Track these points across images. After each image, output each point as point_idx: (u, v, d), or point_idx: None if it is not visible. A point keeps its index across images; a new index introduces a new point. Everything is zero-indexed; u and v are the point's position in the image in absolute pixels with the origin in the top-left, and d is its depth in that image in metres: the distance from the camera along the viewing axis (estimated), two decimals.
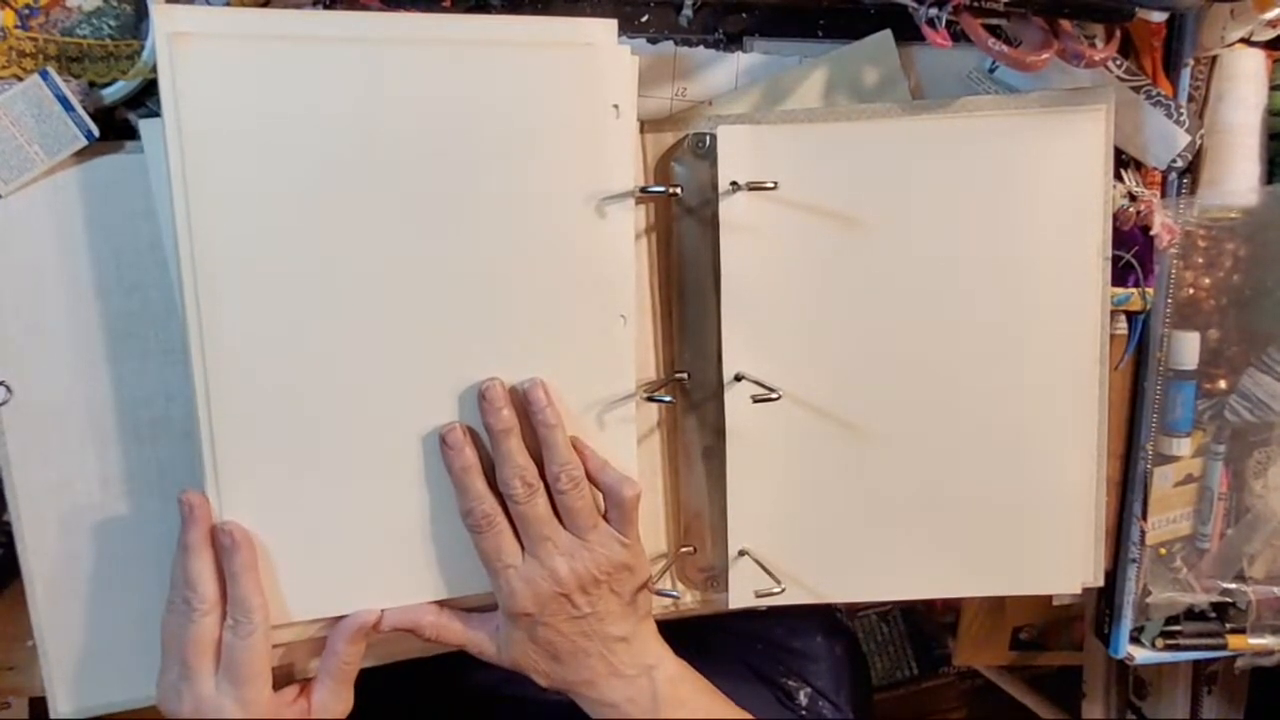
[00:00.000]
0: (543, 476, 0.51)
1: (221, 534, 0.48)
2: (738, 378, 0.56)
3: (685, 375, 0.57)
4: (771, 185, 0.54)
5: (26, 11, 0.50)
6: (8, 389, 0.51)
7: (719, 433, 0.58)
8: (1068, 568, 0.60)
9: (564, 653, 0.51)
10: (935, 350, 0.58)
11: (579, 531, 0.51)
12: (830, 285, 0.57)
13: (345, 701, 0.51)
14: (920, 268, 0.57)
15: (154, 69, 0.49)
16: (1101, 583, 0.61)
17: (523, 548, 0.51)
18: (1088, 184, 0.57)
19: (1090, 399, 0.58)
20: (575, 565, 0.50)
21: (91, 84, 0.51)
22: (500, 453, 0.50)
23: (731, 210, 0.55)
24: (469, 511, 0.50)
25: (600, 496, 0.53)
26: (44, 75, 0.49)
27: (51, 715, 0.53)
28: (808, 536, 0.59)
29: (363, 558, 0.52)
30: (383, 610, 0.51)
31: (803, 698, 0.67)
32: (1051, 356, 0.58)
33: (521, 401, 0.51)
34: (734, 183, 0.55)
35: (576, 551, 0.51)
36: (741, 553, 0.58)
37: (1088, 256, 0.57)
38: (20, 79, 0.49)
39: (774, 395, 0.55)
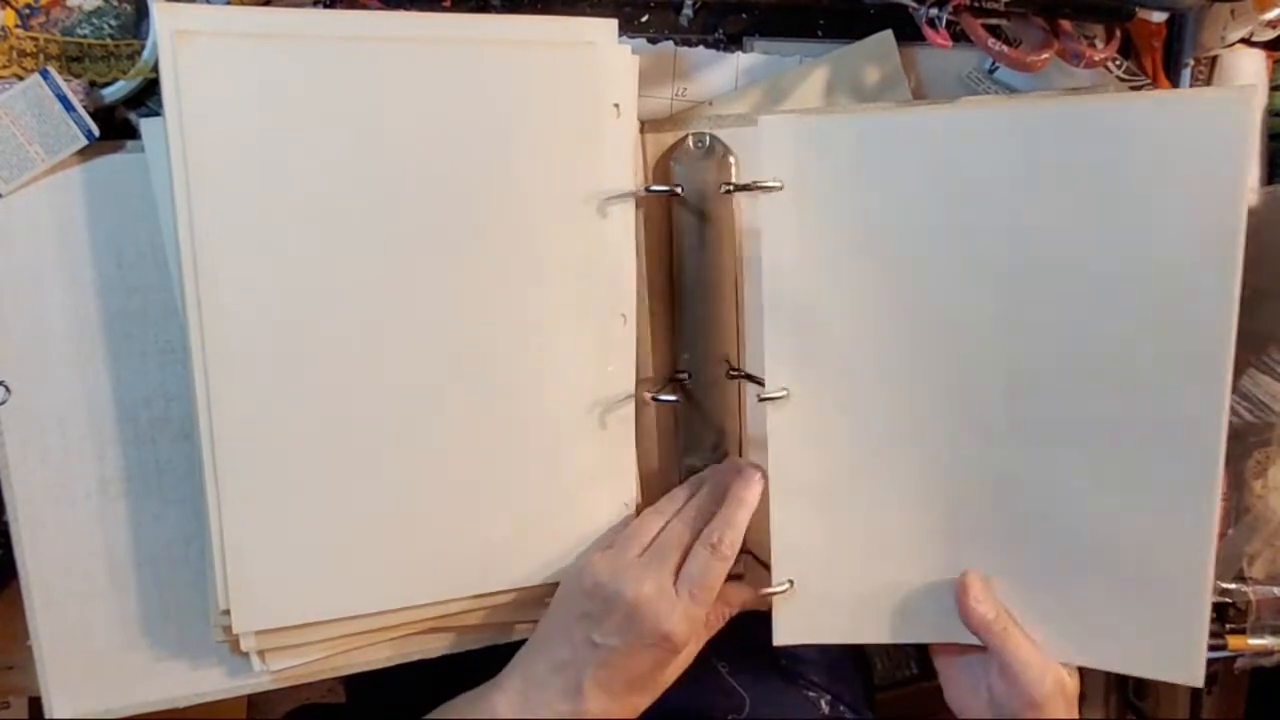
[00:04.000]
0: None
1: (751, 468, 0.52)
2: (742, 378, 0.56)
3: (686, 375, 0.57)
4: (776, 185, 0.53)
5: (27, 11, 0.50)
6: (7, 389, 0.51)
7: (719, 431, 0.58)
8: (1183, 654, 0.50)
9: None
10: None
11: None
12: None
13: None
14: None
15: (155, 68, 0.49)
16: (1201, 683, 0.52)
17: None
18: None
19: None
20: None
21: (92, 83, 0.51)
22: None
23: (738, 210, 0.55)
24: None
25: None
26: (44, 75, 0.49)
27: (48, 717, 0.53)
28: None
29: (362, 560, 0.52)
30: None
31: (824, 707, 0.67)
32: None
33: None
34: (729, 184, 0.54)
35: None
36: (744, 552, 0.58)
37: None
38: (21, 78, 0.49)
39: (781, 394, 0.52)
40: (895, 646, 0.91)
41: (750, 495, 0.51)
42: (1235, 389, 0.63)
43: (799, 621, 0.53)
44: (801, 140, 0.49)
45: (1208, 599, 0.48)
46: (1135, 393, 0.48)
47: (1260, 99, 0.60)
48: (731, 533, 0.49)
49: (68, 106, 0.49)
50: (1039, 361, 0.49)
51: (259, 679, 0.53)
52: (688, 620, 0.48)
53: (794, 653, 0.69)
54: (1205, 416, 0.47)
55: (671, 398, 0.56)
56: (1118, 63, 0.57)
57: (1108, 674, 0.86)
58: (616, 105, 0.53)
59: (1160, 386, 0.47)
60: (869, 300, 0.51)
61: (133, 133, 0.52)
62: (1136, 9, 0.53)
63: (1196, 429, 0.47)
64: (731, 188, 0.55)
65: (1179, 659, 0.50)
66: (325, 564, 0.51)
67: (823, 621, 0.54)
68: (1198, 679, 0.50)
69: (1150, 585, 0.49)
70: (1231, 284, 0.46)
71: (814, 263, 0.50)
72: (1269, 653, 0.67)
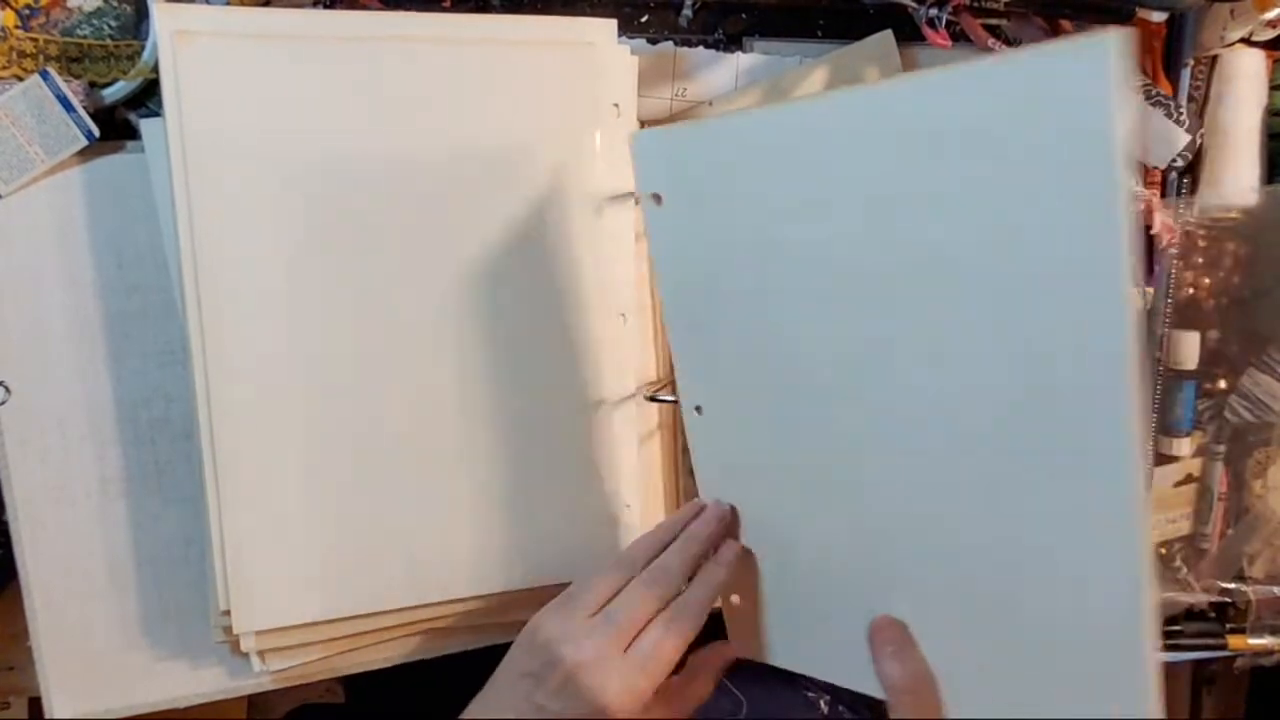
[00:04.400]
0: None
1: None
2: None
3: None
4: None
5: (27, 12, 0.50)
6: (7, 389, 0.51)
7: None
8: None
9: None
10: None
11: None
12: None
13: None
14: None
15: (154, 69, 0.49)
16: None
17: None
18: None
19: None
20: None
21: (92, 84, 0.51)
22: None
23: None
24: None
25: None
26: (44, 75, 0.49)
27: (48, 717, 0.53)
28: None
29: (362, 560, 0.52)
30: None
31: (823, 706, 0.67)
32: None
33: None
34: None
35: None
36: None
37: None
38: (21, 79, 0.49)
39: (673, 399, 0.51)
40: None
41: (717, 577, 0.47)
42: (1235, 388, 0.63)
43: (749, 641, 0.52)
44: (673, 152, 0.44)
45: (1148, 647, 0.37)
46: (1027, 408, 0.38)
47: (1260, 99, 0.60)
48: (692, 620, 0.45)
49: (68, 107, 0.49)
50: (911, 368, 0.41)
51: (259, 679, 0.53)
52: (629, 694, 0.43)
53: None
54: (1110, 440, 0.35)
55: (670, 398, 0.56)
56: None
57: None
58: (616, 105, 0.53)
59: (1049, 401, 0.37)
60: (750, 310, 0.45)
61: (133, 133, 0.52)
62: (1136, 9, 0.53)
63: (1099, 455, 0.36)
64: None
65: None
66: (325, 564, 0.51)
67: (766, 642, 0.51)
68: None
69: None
70: (1117, 265, 0.33)
71: (700, 275, 0.46)
72: (1269, 652, 0.67)
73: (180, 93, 0.46)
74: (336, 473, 0.50)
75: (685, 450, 0.58)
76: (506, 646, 0.57)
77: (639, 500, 0.57)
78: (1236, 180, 0.60)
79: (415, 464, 0.52)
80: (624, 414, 0.55)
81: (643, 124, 0.55)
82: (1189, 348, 0.61)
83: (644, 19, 0.55)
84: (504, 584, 0.54)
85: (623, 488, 0.56)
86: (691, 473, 0.58)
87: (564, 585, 0.56)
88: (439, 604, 0.53)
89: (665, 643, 0.44)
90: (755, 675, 0.58)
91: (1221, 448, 0.63)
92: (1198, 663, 0.79)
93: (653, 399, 0.56)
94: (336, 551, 0.51)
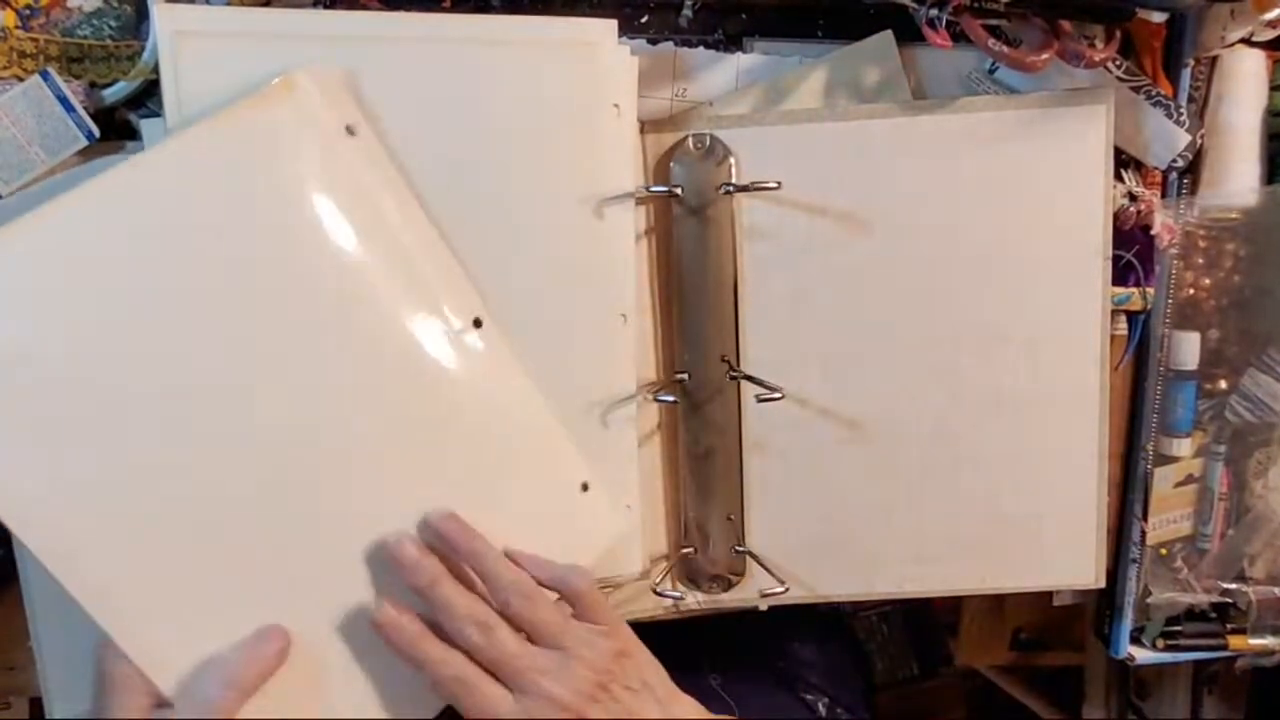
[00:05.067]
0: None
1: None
2: (742, 378, 0.56)
3: (685, 375, 0.57)
4: (775, 185, 0.54)
5: (27, 12, 0.50)
6: None
7: (720, 433, 0.58)
8: (1071, 568, 0.61)
9: None
10: (937, 349, 0.58)
11: (556, 644, 0.45)
12: (832, 285, 0.57)
13: None
14: (921, 267, 0.57)
15: (155, 69, 0.49)
16: (1103, 584, 0.61)
17: (510, 690, 0.44)
18: (1088, 184, 0.57)
19: (1091, 398, 0.58)
20: (572, 682, 0.44)
21: (92, 84, 0.51)
22: (439, 604, 0.45)
23: (741, 211, 0.56)
24: (437, 682, 0.44)
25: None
26: (45, 76, 0.49)
27: (48, 717, 0.53)
28: (813, 535, 0.59)
29: None
30: None
31: (821, 709, 0.67)
32: (1052, 355, 0.58)
33: (437, 542, 0.47)
34: (730, 185, 0.55)
35: (565, 666, 0.45)
36: (743, 552, 0.58)
37: (1088, 256, 0.57)
38: (21, 79, 0.49)
39: (777, 395, 0.55)
40: (895, 646, 0.91)
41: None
42: (1235, 389, 0.63)
43: None
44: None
45: None
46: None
47: (1260, 99, 0.60)
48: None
49: (68, 108, 0.49)
50: None
51: None
52: None
53: (792, 655, 0.69)
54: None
55: (670, 398, 0.56)
56: (1118, 63, 0.57)
57: (1108, 674, 0.86)
58: (616, 105, 0.53)
59: None
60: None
61: (133, 134, 0.52)
62: (1136, 9, 0.53)
63: None
64: (731, 188, 0.55)
65: None
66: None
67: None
68: None
69: None
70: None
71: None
72: (1270, 653, 0.67)
73: (180, 93, 0.46)
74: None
75: (685, 451, 0.59)
76: None
77: (639, 502, 0.57)
78: (1236, 180, 0.60)
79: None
80: (625, 414, 0.55)
81: (643, 124, 0.55)
82: (1189, 348, 0.61)
83: (644, 19, 0.55)
84: None
85: (623, 489, 0.56)
86: (690, 475, 0.59)
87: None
88: None
89: None
90: (754, 682, 0.58)
91: (1222, 448, 0.63)
92: (1198, 663, 0.79)
93: (655, 399, 0.56)
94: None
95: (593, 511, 0.54)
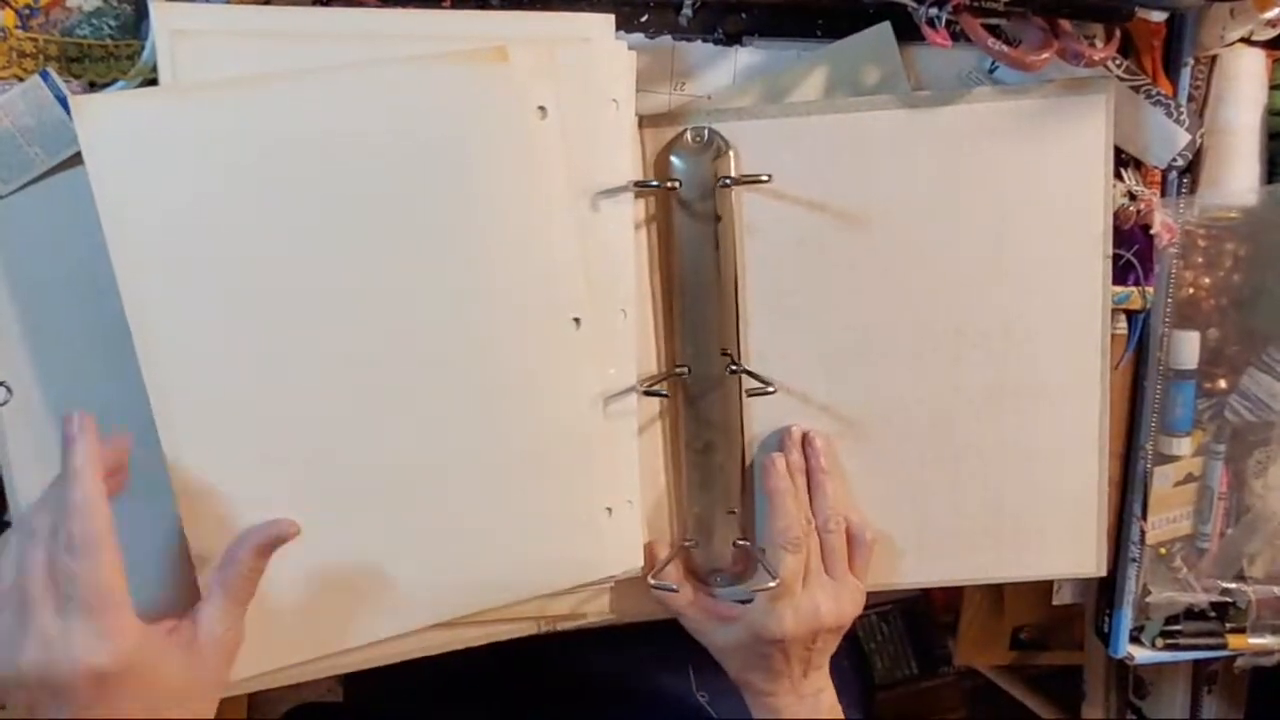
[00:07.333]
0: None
1: (68, 421, 0.41)
2: (742, 372, 0.56)
3: (685, 369, 0.57)
4: (766, 179, 0.54)
5: (27, 12, 0.50)
6: (8, 389, 0.51)
7: (721, 427, 0.58)
8: (1072, 557, 0.61)
9: (771, 671, 0.55)
10: (938, 340, 0.58)
11: (837, 575, 0.55)
12: (833, 277, 0.57)
13: (237, 630, 0.45)
14: (922, 259, 0.57)
15: (154, 69, 0.49)
16: (1104, 572, 0.61)
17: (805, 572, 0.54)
18: (1088, 175, 0.56)
19: (1092, 386, 0.58)
20: (833, 607, 0.54)
21: (92, 84, 0.51)
22: (823, 491, 0.56)
23: (741, 204, 0.56)
24: (787, 529, 0.54)
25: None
26: (44, 75, 0.49)
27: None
28: None
29: (354, 590, 0.52)
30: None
31: None
32: (1053, 345, 0.58)
33: (804, 449, 0.57)
34: (727, 178, 0.55)
35: (838, 595, 0.55)
36: (744, 546, 0.59)
37: (1089, 246, 0.57)
38: (21, 79, 0.49)
39: (769, 390, 0.55)
40: (895, 646, 0.91)
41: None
42: (1235, 388, 0.63)
43: None
44: (131, 121, 0.46)
45: None
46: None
47: (1260, 99, 0.60)
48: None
49: (68, 107, 0.49)
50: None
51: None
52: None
53: None
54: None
55: (661, 392, 0.56)
56: (1117, 62, 0.57)
57: (1107, 674, 0.86)
58: (615, 100, 0.53)
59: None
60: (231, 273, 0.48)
61: None
62: (1136, 9, 0.53)
63: None
64: (730, 181, 0.55)
65: None
66: (315, 601, 0.51)
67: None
68: None
69: None
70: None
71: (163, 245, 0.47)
72: (1269, 652, 0.67)
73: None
74: (327, 493, 0.50)
75: (686, 445, 0.59)
76: (509, 643, 0.57)
77: (639, 495, 0.57)
78: (1236, 180, 0.60)
79: (414, 466, 0.52)
80: (624, 408, 0.55)
81: (641, 119, 0.55)
82: (1189, 348, 0.61)
83: (644, 18, 0.55)
84: (512, 596, 0.54)
85: (623, 483, 0.56)
86: (692, 470, 0.58)
87: (566, 588, 0.56)
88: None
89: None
90: (736, 688, 0.58)
91: (1221, 448, 0.63)
92: (1198, 662, 0.79)
93: (648, 393, 0.56)
94: (323, 588, 0.51)
95: (610, 537, 0.55)
